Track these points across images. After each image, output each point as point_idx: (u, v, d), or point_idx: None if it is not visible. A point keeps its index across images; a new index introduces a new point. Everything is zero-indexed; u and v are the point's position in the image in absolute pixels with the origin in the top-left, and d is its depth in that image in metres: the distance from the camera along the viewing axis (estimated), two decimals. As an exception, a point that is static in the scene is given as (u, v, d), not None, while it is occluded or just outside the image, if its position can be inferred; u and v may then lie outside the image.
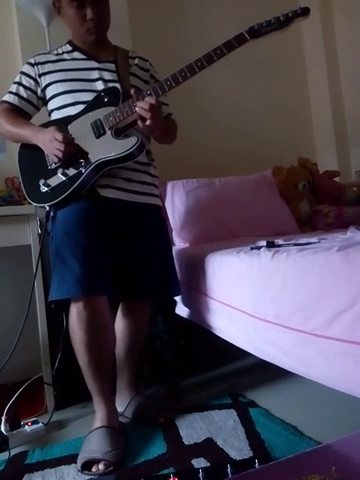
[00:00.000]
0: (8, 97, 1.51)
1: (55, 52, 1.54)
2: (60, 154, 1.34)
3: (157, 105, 1.32)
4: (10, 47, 2.05)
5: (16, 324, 1.91)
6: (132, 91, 1.35)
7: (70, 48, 1.54)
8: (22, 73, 1.52)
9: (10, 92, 1.51)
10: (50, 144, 1.35)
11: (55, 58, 1.51)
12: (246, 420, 1.44)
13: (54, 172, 1.40)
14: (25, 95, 1.50)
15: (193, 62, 1.30)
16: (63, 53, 1.53)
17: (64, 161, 1.37)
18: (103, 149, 1.36)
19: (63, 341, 1.69)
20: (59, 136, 1.33)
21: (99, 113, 1.39)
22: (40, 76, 1.49)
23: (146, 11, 2.42)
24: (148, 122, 1.32)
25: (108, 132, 1.37)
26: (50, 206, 1.42)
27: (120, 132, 1.39)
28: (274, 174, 2.25)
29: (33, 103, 1.52)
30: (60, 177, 1.38)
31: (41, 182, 1.40)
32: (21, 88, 1.50)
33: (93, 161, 1.36)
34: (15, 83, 1.52)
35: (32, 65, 1.50)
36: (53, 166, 1.41)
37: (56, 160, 1.38)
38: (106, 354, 1.41)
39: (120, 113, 1.36)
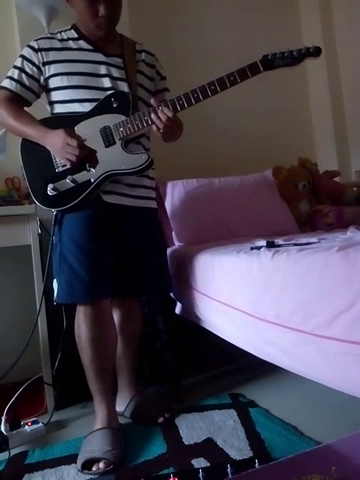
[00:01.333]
0: (9, 83, 1.43)
1: (59, 37, 1.46)
2: (74, 159, 1.33)
3: (174, 119, 1.34)
4: (10, 47, 2.04)
5: (16, 324, 1.91)
6: (152, 101, 1.36)
7: (76, 35, 1.47)
8: (24, 58, 1.43)
9: (11, 78, 1.43)
10: (61, 150, 1.34)
11: (60, 45, 1.44)
12: (246, 420, 1.44)
13: (62, 176, 1.38)
14: (27, 83, 1.43)
15: (206, 84, 1.32)
16: (68, 39, 1.46)
17: (74, 166, 1.37)
18: (113, 161, 1.37)
19: (63, 341, 1.69)
20: (73, 142, 1.31)
21: (108, 119, 1.38)
22: (44, 64, 1.42)
23: (146, 11, 2.42)
24: (161, 132, 1.36)
25: (118, 143, 1.37)
26: (57, 210, 1.42)
27: (129, 142, 1.41)
28: (274, 174, 2.25)
29: (34, 91, 1.46)
30: (69, 183, 1.38)
31: (49, 186, 1.38)
32: (23, 75, 1.42)
33: (103, 172, 1.37)
34: (17, 68, 1.43)
35: (35, 51, 1.43)
36: (60, 169, 1.39)
37: (67, 163, 1.37)
38: (109, 352, 1.43)
39: (131, 125, 1.36)
